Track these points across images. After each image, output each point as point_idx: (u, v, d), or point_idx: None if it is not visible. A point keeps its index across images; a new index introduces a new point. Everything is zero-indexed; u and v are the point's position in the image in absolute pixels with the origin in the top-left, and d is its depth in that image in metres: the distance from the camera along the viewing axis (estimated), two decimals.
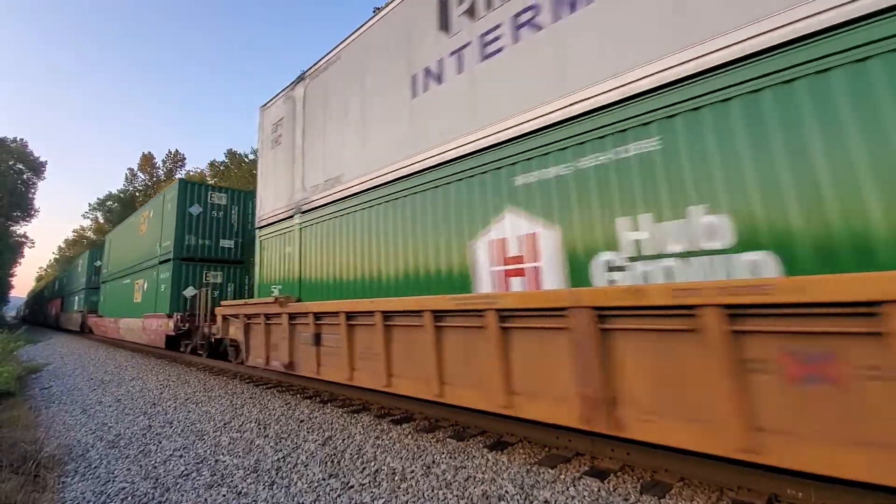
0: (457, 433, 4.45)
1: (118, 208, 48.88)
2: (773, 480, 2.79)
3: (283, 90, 7.92)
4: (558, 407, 3.19)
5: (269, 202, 7.96)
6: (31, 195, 43.50)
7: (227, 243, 12.31)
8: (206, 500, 3.27)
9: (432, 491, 3.22)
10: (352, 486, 3.37)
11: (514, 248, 4.03)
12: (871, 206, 2.41)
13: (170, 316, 10.97)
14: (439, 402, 4.13)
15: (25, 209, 43.40)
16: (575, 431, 3.66)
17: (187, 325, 10.70)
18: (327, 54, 6.86)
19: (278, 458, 4.02)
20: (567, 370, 3.13)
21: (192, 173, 46.61)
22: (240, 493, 3.36)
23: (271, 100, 8.32)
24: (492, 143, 4.29)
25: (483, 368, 3.66)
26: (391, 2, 5.79)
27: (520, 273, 3.96)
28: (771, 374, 2.36)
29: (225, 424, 5.24)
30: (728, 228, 2.85)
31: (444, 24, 4.94)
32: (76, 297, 24.46)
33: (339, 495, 3.23)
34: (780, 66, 2.75)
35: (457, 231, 4.56)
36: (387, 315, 4.50)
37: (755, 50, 2.83)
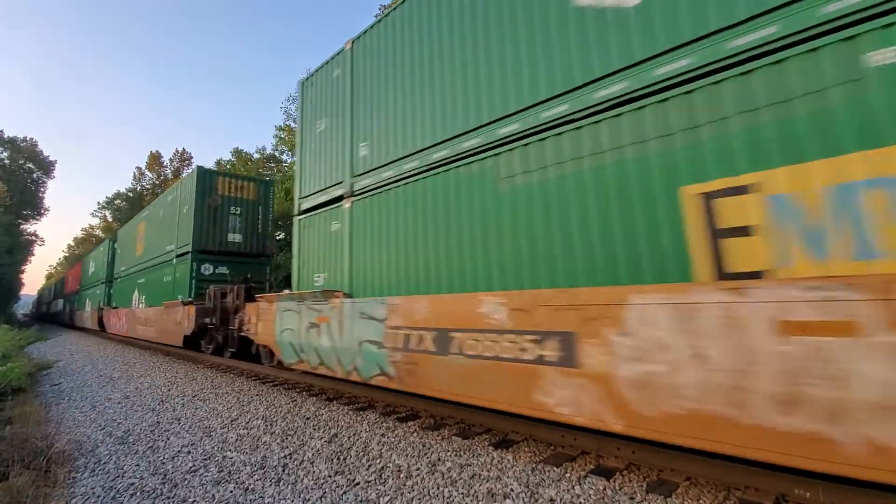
0: (462, 431, 4.45)
1: (126, 207, 49.28)
2: (780, 480, 2.77)
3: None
4: None
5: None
6: (40, 194, 44.05)
7: None
8: (213, 495, 3.31)
9: (438, 489, 3.23)
10: (358, 484, 3.39)
11: None
12: None
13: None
14: None
15: (35, 208, 43.94)
16: (580, 430, 3.65)
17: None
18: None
19: (285, 455, 4.04)
20: None
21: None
22: (247, 489, 3.39)
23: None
24: None
25: None
26: None
27: None
28: None
29: (232, 421, 5.28)
30: None
31: None
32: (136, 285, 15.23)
33: (344, 492, 3.25)
34: None
35: None
36: None
37: None
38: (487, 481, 3.31)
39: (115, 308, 17.52)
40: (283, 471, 3.70)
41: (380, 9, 22.95)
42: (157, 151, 53.13)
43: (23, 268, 48.43)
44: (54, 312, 40.15)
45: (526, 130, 4.04)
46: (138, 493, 3.41)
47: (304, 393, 6.61)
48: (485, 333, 3.83)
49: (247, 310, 8.05)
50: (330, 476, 3.54)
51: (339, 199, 6.28)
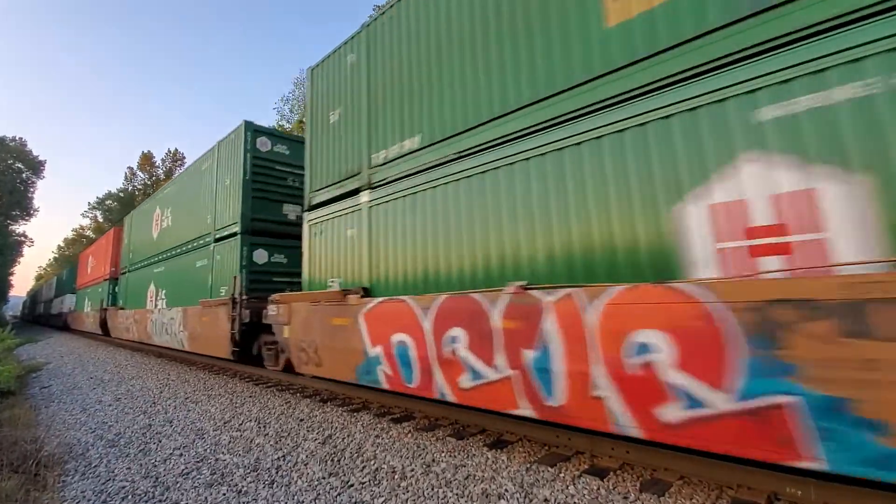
0: (456, 432, 4.45)
1: (117, 207, 48.82)
2: (773, 479, 2.80)
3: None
4: None
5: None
6: (30, 194, 43.50)
7: None
8: (206, 498, 3.28)
9: (432, 489, 3.23)
10: (352, 485, 3.37)
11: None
12: None
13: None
14: None
15: (24, 208, 43.39)
16: (577, 430, 3.66)
17: None
18: None
19: (278, 457, 4.02)
20: None
21: None
22: (240, 491, 3.36)
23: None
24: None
25: None
26: None
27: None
28: None
29: (225, 423, 5.24)
30: None
31: None
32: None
33: (339, 494, 3.24)
34: None
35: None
36: None
37: None
38: (482, 482, 3.31)
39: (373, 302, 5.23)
40: (277, 473, 3.68)
41: (374, 9, 22.91)
42: (149, 151, 52.63)
43: (12, 269, 47.84)
44: (58, 314, 30.50)
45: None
46: (130, 497, 3.37)
47: (298, 395, 6.58)
48: None
49: None
50: (324, 478, 3.53)
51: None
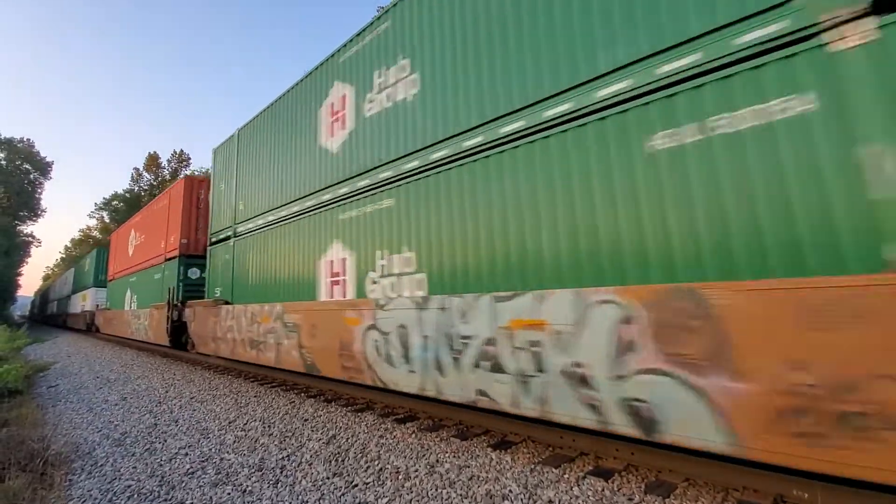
0: (460, 432, 4.45)
1: (124, 208, 49.13)
2: (778, 481, 2.78)
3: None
4: None
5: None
6: (37, 195, 43.83)
7: None
8: (211, 497, 3.29)
9: (436, 490, 3.23)
10: (356, 485, 3.38)
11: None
12: None
13: None
14: None
15: (32, 209, 43.73)
16: (579, 431, 3.65)
17: None
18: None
19: (283, 457, 4.03)
20: None
21: (197, 173, 46.69)
22: (245, 491, 3.38)
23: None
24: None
25: None
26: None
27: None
28: None
29: (230, 423, 5.26)
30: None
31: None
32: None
33: (343, 494, 3.24)
34: None
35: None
36: None
37: None
38: (486, 482, 3.30)
39: None
40: (281, 472, 3.69)
41: (378, 9, 22.98)
42: (155, 152, 53.03)
43: (20, 270, 48.24)
44: (78, 314, 24.43)
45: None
46: (136, 496, 3.39)
47: (303, 394, 6.60)
48: None
49: None
50: (328, 478, 3.53)
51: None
